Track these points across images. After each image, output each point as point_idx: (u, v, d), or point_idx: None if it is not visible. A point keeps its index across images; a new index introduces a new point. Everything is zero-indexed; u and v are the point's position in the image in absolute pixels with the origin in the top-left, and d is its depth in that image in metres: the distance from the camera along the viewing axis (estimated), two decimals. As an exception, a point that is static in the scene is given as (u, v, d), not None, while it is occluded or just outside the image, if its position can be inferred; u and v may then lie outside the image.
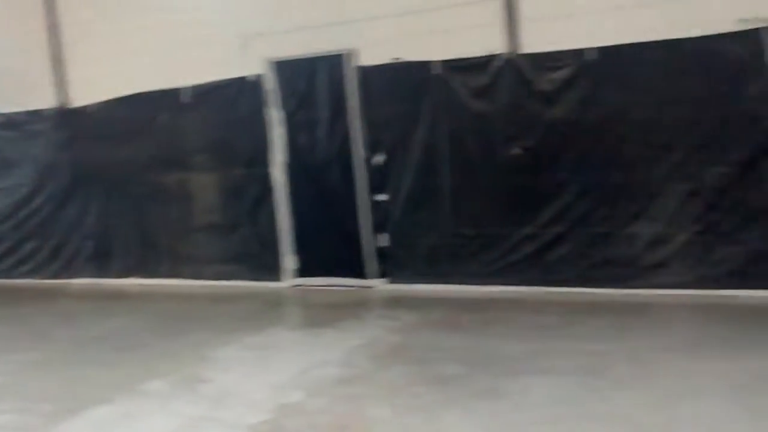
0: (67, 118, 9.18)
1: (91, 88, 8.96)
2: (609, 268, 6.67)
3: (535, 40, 6.90)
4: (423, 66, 7.26)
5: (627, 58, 6.43)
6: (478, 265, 7.16)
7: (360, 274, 7.79)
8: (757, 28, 6.00)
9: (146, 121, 8.65)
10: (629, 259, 6.59)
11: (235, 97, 8.17)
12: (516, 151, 6.94)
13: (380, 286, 7.67)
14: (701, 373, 4.63)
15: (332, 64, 7.72)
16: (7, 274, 9.58)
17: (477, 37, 7.06)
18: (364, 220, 7.71)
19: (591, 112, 6.63)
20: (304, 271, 8.11)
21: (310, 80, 7.86)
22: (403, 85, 7.38)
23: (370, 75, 7.52)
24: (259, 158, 8.13)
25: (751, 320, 5.66)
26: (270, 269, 8.17)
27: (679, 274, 6.38)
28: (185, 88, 8.37)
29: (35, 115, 9.30)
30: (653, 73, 6.35)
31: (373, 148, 7.59)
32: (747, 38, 6.02)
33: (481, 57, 7.02)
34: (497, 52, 6.98)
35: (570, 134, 6.73)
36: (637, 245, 6.55)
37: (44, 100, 9.29)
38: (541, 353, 5.24)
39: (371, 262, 7.73)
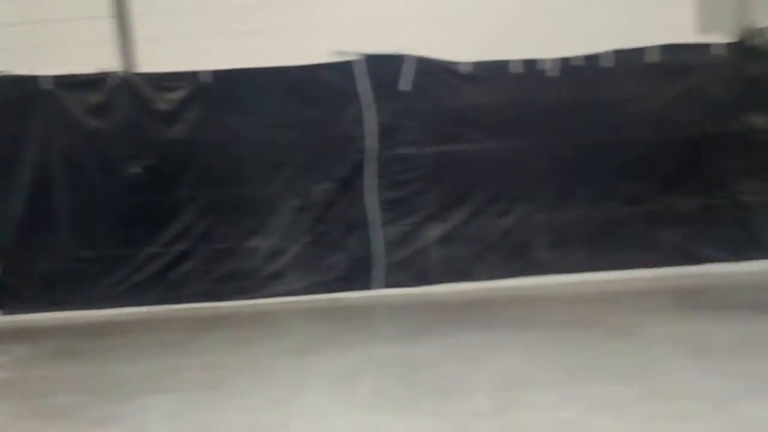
0: None
1: None
2: (232, 282, 6.99)
3: (152, 60, 6.94)
4: (30, 81, 6.81)
5: (240, 82, 6.82)
6: (101, 288, 6.95)
7: (-36, 308, 6.98)
8: (350, 60, 6.81)
9: None
10: (250, 271, 6.98)
11: None
12: (136, 169, 6.88)
13: (-10, 319, 6.98)
14: (310, 371, 5.09)
15: None
16: None
17: (90, 53, 6.85)
18: (-33, 248, 6.94)
19: (209, 132, 6.89)
20: None
21: None
22: (8, 101, 6.84)
23: (-33, 88, 6.82)
24: None
25: (354, 318, 6.39)
26: None
27: (294, 282, 6.97)
28: None
29: None
30: (264, 97, 6.83)
31: (-27, 168, 6.89)
32: (342, 69, 6.80)
33: (94, 74, 6.83)
34: (112, 69, 6.85)
35: (190, 153, 6.90)
36: (257, 258, 6.97)
37: None
38: (163, 372, 5.26)
39: (-23, 294, 6.98)
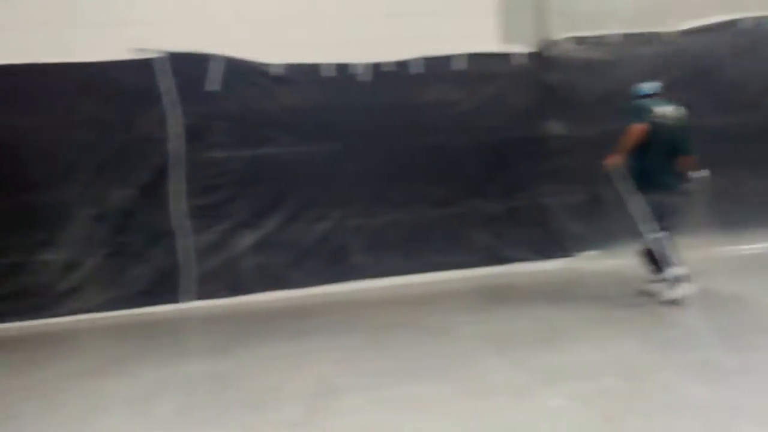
0: None
1: None
2: (20, 300, 6.29)
3: None
4: None
5: (23, 78, 6.18)
6: None
7: None
8: (150, 58, 6.38)
9: None
10: (41, 288, 6.32)
11: None
12: None
13: None
14: (107, 392, 4.63)
15: None
16: None
17: None
18: None
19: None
20: None
21: None
22: None
23: None
24: None
25: (160, 334, 5.95)
26: None
27: (92, 298, 6.39)
28: None
29: None
30: (52, 95, 6.23)
31: None
32: (142, 66, 6.35)
33: None
34: None
35: (-35, 157, 6.13)
36: (49, 273, 6.33)
37: None
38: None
39: None
